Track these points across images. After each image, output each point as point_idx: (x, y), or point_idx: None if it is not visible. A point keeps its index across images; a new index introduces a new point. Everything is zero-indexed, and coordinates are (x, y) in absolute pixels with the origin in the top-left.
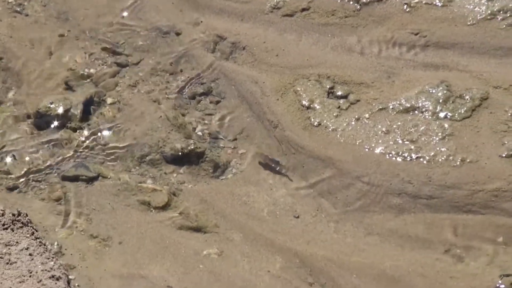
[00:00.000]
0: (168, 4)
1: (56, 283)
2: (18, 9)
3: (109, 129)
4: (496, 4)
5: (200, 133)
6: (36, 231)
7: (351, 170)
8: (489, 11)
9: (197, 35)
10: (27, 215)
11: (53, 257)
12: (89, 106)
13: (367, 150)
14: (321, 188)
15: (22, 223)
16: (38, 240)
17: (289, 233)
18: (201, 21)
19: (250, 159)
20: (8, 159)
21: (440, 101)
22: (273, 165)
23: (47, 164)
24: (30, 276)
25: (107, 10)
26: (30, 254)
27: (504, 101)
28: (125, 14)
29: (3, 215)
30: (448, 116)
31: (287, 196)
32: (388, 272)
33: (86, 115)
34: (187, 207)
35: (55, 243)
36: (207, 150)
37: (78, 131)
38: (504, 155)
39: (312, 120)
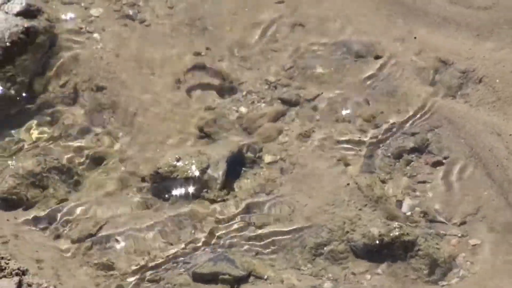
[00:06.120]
0: (366, 9)
1: None
2: (131, 12)
3: (267, 201)
4: None
5: (409, 212)
6: None
7: None
8: None
9: (407, 58)
10: None
11: None
12: (237, 166)
13: None
14: None
15: None
16: None
17: None
18: (415, 37)
19: (488, 254)
20: (113, 246)
21: None
22: None
23: (170, 253)
24: None
25: (262, 14)
26: None
27: None
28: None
29: None
30: None
31: None
32: None
33: (231, 179)
34: None
35: None
36: (420, 239)
37: (218, 204)
38: None
39: None
